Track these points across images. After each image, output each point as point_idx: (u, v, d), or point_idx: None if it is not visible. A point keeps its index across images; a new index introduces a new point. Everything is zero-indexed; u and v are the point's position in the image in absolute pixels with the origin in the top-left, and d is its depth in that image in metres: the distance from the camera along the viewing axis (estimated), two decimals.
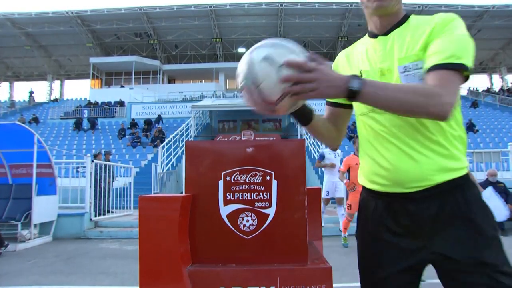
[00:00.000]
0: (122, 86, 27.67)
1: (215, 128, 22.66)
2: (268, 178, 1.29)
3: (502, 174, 8.20)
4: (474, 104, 25.31)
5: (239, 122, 22.67)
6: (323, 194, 6.56)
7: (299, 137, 17.18)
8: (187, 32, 28.23)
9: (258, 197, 1.28)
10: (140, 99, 24.11)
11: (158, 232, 1.19)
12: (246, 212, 1.26)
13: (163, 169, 12.61)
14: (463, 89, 30.82)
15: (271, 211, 1.27)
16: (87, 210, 7.29)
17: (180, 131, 16.40)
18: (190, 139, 16.92)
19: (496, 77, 33.47)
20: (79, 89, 63.97)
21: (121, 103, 23.71)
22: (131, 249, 5.86)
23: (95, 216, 7.61)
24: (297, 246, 1.24)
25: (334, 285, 3.14)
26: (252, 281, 1.16)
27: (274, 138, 1.47)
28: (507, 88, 30.85)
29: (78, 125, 20.06)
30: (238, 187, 1.29)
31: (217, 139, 1.49)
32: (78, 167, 10.10)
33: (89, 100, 25.68)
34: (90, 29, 27.20)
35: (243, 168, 1.30)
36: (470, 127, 18.66)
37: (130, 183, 9.53)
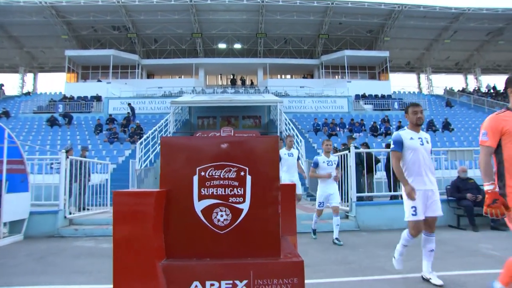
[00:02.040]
0: (99, 81, 27.03)
1: (195, 124, 22.52)
2: (242, 173, 1.32)
3: (474, 172, 8.51)
4: (449, 104, 26.14)
5: (218, 118, 22.60)
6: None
7: (278, 134, 17.30)
8: (166, 26, 27.84)
9: (232, 192, 1.30)
10: (118, 94, 23.63)
11: (132, 227, 1.20)
12: (220, 207, 1.29)
13: (141, 166, 12.45)
14: (440, 89, 31.80)
15: (245, 206, 1.29)
16: (61, 207, 7.13)
17: (159, 127, 16.21)
18: (169, 135, 16.76)
19: (471, 78, 34.61)
20: (54, 83, 62.20)
21: (98, 98, 23.18)
22: (107, 247, 5.77)
23: (70, 213, 7.46)
24: (270, 240, 1.28)
25: (310, 280, 3.22)
26: (226, 275, 1.19)
27: (254, 135, 1.49)
28: (486, 89, 31.96)
29: (52, 120, 19.50)
30: (213, 183, 1.31)
31: (196, 135, 1.50)
32: (52, 163, 9.85)
33: (64, 95, 24.97)
34: (65, 20, 26.40)
35: (217, 163, 1.32)
36: (446, 126, 19.30)
37: (106, 179, 9.37)
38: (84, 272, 4.26)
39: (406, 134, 3.70)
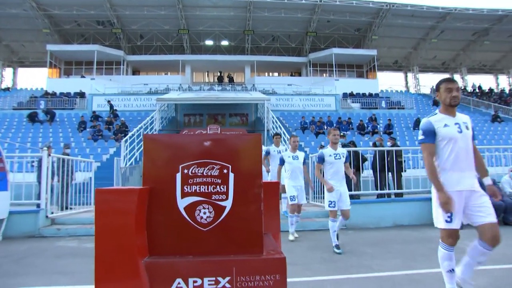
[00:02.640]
0: (82, 77, 26.59)
1: (181, 121, 22.39)
2: (225, 171, 1.34)
3: None
4: (436, 102, 26.59)
5: (205, 116, 22.52)
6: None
7: (265, 132, 17.36)
8: (152, 22, 27.57)
9: (215, 189, 1.32)
10: (102, 91, 23.31)
11: (115, 225, 1.21)
12: (203, 205, 1.31)
13: (125, 164, 12.35)
14: (427, 88, 32.35)
15: (227, 204, 1.32)
16: (42, 206, 7.02)
17: (144, 125, 16.09)
18: (154, 133, 16.65)
19: (457, 77, 35.27)
20: (35, 78, 60.79)
21: (81, 94, 22.83)
22: (91, 246, 5.71)
23: (52, 213, 7.35)
24: (253, 237, 1.30)
25: (296, 279, 3.26)
26: (209, 272, 1.20)
27: (241, 133, 1.51)
28: (472, 88, 32.64)
29: (32, 117, 19.13)
30: (196, 180, 1.33)
31: (183, 133, 1.51)
32: (33, 161, 9.68)
33: (46, 90, 24.49)
34: (46, 13, 25.86)
35: (200, 161, 1.34)
36: None
37: (90, 178, 9.26)
38: (67, 273, 4.21)
39: (438, 120, 2.84)
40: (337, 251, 5.02)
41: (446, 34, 29.18)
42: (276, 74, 32.20)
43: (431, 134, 2.81)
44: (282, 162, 6.24)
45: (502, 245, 5.35)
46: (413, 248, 5.23)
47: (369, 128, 18.57)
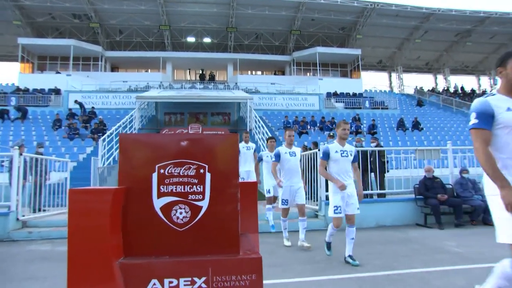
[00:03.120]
0: (58, 72, 25.97)
1: (161, 120, 22.21)
2: (201, 171, 1.37)
3: (441, 171, 8.92)
4: (420, 103, 27.20)
5: (186, 115, 22.41)
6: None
7: (248, 131, 17.37)
8: (132, 17, 27.21)
9: (191, 189, 1.34)
10: (79, 88, 22.85)
11: (89, 226, 1.21)
12: (179, 205, 1.33)
13: (103, 164, 12.17)
14: (411, 88, 33.04)
15: (204, 204, 1.34)
16: (13, 209, 6.85)
17: (123, 123, 15.89)
18: (134, 132, 16.47)
19: (440, 78, 36.19)
20: (5, 73, 58.58)
21: (56, 91, 22.28)
22: (65, 249, 5.60)
23: (23, 215, 7.18)
24: (229, 237, 1.33)
25: (278, 280, 3.31)
26: (184, 272, 1.23)
27: (223, 132, 1.54)
28: (454, 89, 33.48)
29: (2, 114, 18.58)
30: (172, 180, 1.35)
31: (163, 132, 1.53)
32: (2, 161, 9.44)
33: (18, 86, 23.83)
34: (17, 4, 25.06)
35: (177, 161, 1.36)
36: (416, 125, 20.08)
37: (66, 178, 9.09)
38: (38, 278, 4.13)
39: (498, 101, 2.25)
40: (328, 252, 4.99)
41: (430, 34, 29.89)
42: (259, 72, 32.28)
43: (487, 118, 2.22)
44: (278, 158, 5.63)
45: (480, 245, 5.56)
46: (395, 249, 5.36)
47: (352, 128, 18.83)
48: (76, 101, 20.09)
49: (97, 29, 27.66)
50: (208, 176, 1.36)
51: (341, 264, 4.53)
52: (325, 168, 4.73)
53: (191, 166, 1.36)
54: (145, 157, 1.36)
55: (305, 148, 10.70)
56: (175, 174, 1.35)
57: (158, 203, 1.33)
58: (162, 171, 1.35)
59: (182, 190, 1.35)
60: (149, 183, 1.34)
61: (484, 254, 4.91)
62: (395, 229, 7.05)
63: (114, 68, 30.06)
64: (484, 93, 32.64)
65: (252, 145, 8.07)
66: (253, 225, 1.68)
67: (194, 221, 1.33)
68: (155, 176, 1.35)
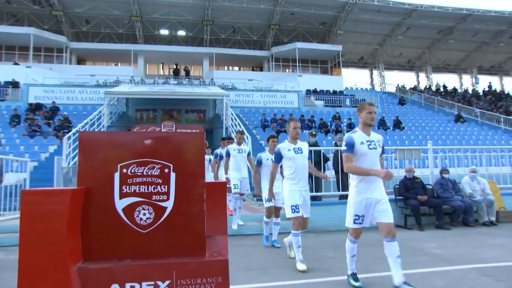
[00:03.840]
0: (16, 64, 25.07)
1: (132, 117, 21.88)
2: (166, 170, 1.38)
3: (422, 171, 9.17)
4: (402, 101, 27.86)
5: (159, 112, 22.17)
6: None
7: (224, 129, 17.38)
8: (100, 6, 26.63)
9: (155, 190, 1.35)
10: (41, 81, 22.17)
11: (43, 230, 1.20)
12: (143, 206, 1.33)
13: (68, 163, 11.88)
14: (392, 86, 33.80)
15: (169, 204, 1.35)
16: None
17: (91, 120, 15.57)
18: (102, 130, 16.17)
19: (422, 76, 37.23)
20: None
21: (14, 84, 21.54)
22: None
23: None
24: (195, 239, 1.34)
25: (254, 284, 3.33)
26: (147, 276, 1.23)
27: (198, 131, 1.54)
28: (435, 87, 34.46)
29: None
30: (135, 180, 1.35)
31: (134, 130, 1.52)
32: None
33: None
34: None
35: (140, 160, 1.36)
36: (397, 124, 20.56)
37: (25, 179, 8.84)
38: None
39: None
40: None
41: (412, 31, 30.67)
42: (236, 68, 32.27)
43: None
44: (279, 159, 4.79)
45: (459, 246, 5.76)
46: (375, 251, 5.46)
47: (332, 126, 19.08)
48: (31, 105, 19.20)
49: (61, 17, 26.87)
50: (173, 176, 1.37)
51: (319, 268, 4.60)
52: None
53: (155, 165, 1.37)
54: (107, 156, 1.35)
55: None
56: (139, 173, 1.36)
57: (120, 204, 1.33)
58: (124, 170, 1.35)
59: (146, 191, 1.35)
60: (111, 183, 1.33)
61: (464, 256, 5.09)
62: (376, 231, 7.12)
63: (80, 61, 29.35)
64: (465, 92, 33.76)
65: (245, 147, 7.50)
66: (221, 227, 1.70)
67: (158, 223, 1.34)
68: (117, 176, 1.35)
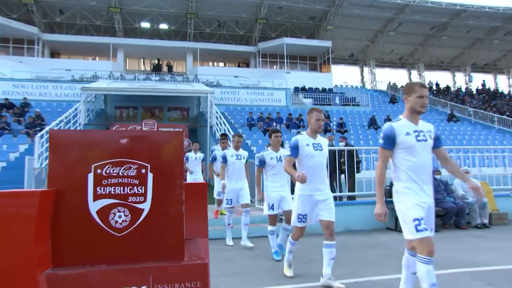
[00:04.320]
0: None
1: (111, 115, 21.67)
2: (143, 171, 1.38)
3: None
4: (393, 100, 28.19)
5: (140, 109, 22.01)
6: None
7: (208, 128, 17.33)
8: None
9: (132, 191, 1.35)
10: (10, 75, 21.72)
11: (9, 234, 1.18)
12: (118, 208, 1.33)
13: (40, 164, 11.71)
14: (384, 84, 34.18)
15: (145, 206, 1.35)
16: None
17: (66, 118, 15.39)
18: (79, 128, 15.97)
19: (414, 73, 37.73)
20: None
21: None
22: None
23: None
24: (173, 242, 1.35)
25: None
26: (122, 282, 1.23)
27: (181, 129, 1.54)
28: (428, 85, 34.91)
29: None
30: (110, 181, 1.35)
31: (113, 129, 1.51)
32: None
33: None
34: None
35: (116, 160, 1.36)
36: None
37: None
38: None
39: None
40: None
41: (405, 27, 31.04)
42: (221, 64, 32.22)
43: None
44: (295, 152, 4.15)
45: (451, 249, 5.86)
46: (364, 255, 5.54)
47: None
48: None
49: (31, 6, 26.28)
50: (150, 176, 1.38)
51: (306, 272, 4.63)
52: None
53: (132, 165, 1.37)
54: (80, 156, 1.34)
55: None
56: (114, 174, 1.35)
57: (94, 206, 1.33)
58: (99, 171, 1.35)
59: (122, 192, 1.35)
60: (84, 185, 1.33)
61: (456, 259, 5.18)
62: (365, 234, 7.28)
63: (54, 54, 28.87)
64: (459, 90, 34.32)
65: (244, 153, 6.73)
66: (202, 230, 1.71)
67: (135, 225, 1.34)
68: (91, 176, 1.34)
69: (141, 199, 1.35)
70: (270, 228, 5.43)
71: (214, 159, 8.03)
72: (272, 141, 5.59)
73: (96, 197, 1.32)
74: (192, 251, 1.47)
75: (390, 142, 3.14)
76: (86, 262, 1.27)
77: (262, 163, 5.54)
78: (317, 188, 4.12)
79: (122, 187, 1.34)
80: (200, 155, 9.56)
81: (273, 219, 5.43)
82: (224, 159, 6.52)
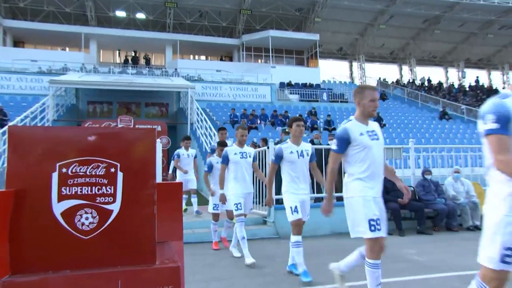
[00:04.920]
0: None
1: (84, 111, 21.41)
2: (112, 170, 1.37)
3: (403, 172, 9.38)
4: (383, 96, 28.51)
5: (115, 105, 21.81)
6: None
7: (189, 125, 17.26)
8: None
9: (100, 191, 1.35)
10: None
11: None
12: (85, 209, 1.33)
13: (2, 164, 11.50)
14: (373, 79, 34.51)
15: (115, 207, 1.35)
16: None
17: (32, 113, 15.12)
18: (47, 124, 15.71)
19: (406, 69, 38.21)
20: None
21: None
22: None
23: None
24: (144, 245, 1.35)
25: None
26: None
27: (159, 127, 1.54)
28: (419, 81, 35.45)
29: None
30: (77, 180, 1.34)
31: (86, 125, 1.50)
32: None
33: None
34: None
35: (83, 158, 1.35)
36: (378, 121, 21.03)
37: None
38: None
39: None
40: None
41: (396, 19, 31.38)
42: (203, 57, 32.10)
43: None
44: (344, 145, 3.55)
45: (441, 252, 5.96)
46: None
47: (308, 123, 19.31)
48: None
49: None
50: (120, 175, 1.37)
51: (290, 277, 4.67)
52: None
53: (100, 164, 1.36)
54: (43, 153, 1.33)
55: (254, 145, 10.83)
56: (81, 173, 1.34)
57: (59, 207, 1.32)
58: (64, 170, 1.34)
59: (89, 192, 1.34)
60: (48, 185, 1.31)
61: (447, 263, 5.28)
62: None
63: (18, 43, 28.23)
64: (451, 87, 34.91)
65: (250, 150, 5.96)
66: (177, 232, 1.71)
67: (103, 227, 1.34)
68: (55, 176, 1.33)
69: (110, 199, 1.35)
70: (295, 238, 4.71)
71: (211, 167, 6.64)
72: (294, 131, 4.82)
73: (61, 197, 1.31)
74: (165, 254, 1.47)
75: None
76: (48, 268, 1.26)
77: (279, 158, 4.81)
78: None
79: (89, 187, 1.34)
80: (192, 151, 9.46)
81: (299, 226, 4.74)
82: (225, 160, 5.69)
